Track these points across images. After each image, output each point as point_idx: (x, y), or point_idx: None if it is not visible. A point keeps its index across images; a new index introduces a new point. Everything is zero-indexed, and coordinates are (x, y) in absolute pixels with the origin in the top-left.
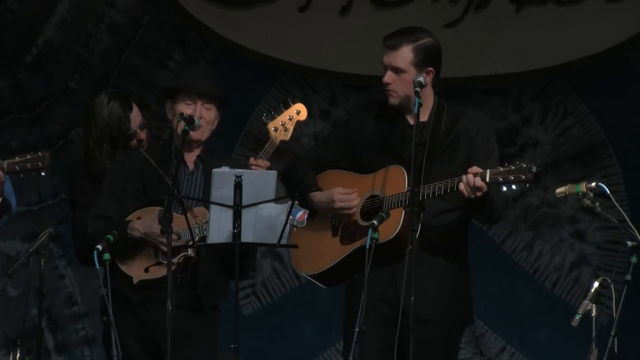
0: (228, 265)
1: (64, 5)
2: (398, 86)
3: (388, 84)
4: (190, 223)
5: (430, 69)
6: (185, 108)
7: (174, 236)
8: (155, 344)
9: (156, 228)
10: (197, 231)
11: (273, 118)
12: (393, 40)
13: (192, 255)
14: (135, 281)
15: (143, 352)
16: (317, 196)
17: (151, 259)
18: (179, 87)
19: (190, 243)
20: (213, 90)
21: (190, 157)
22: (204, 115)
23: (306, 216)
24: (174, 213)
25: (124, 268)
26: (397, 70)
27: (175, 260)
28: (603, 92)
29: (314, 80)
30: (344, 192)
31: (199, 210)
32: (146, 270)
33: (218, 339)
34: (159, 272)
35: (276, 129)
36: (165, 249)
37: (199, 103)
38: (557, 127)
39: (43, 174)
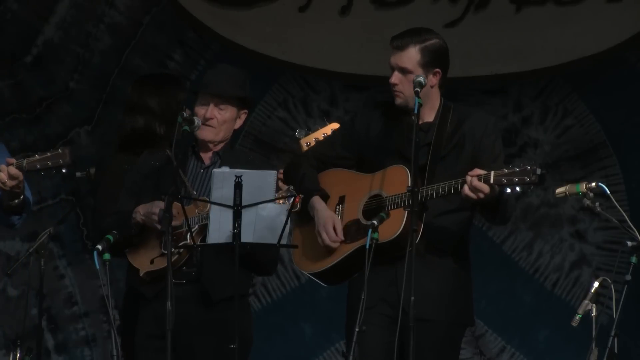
0: (248, 262)
1: (64, 5)
2: (405, 87)
3: (395, 84)
4: (193, 213)
5: (437, 70)
6: (200, 109)
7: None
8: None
9: (155, 208)
10: (196, 219)
11: (307, 134)
12: (400, 41)
13: (191, 243)
14: (141, 273)
15: (159, 349)
16: (317, 204)
17: (157, 250)
18: (197, 88)
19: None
20: (225, 91)
21: (208, 154)
22: (216, 116)
23: (299, 201)
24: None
25: (132, 261)
26: (403, 71)
27: (175, 250)
28: (603, 92)
29: (314, 80)
30: (334, 229)
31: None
32: (151, 262)
33: (244, 329)
34: (163, 263)
35: (309, 145)
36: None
37: (212, 104)
38: (557, 127)
39: (64, 170)
